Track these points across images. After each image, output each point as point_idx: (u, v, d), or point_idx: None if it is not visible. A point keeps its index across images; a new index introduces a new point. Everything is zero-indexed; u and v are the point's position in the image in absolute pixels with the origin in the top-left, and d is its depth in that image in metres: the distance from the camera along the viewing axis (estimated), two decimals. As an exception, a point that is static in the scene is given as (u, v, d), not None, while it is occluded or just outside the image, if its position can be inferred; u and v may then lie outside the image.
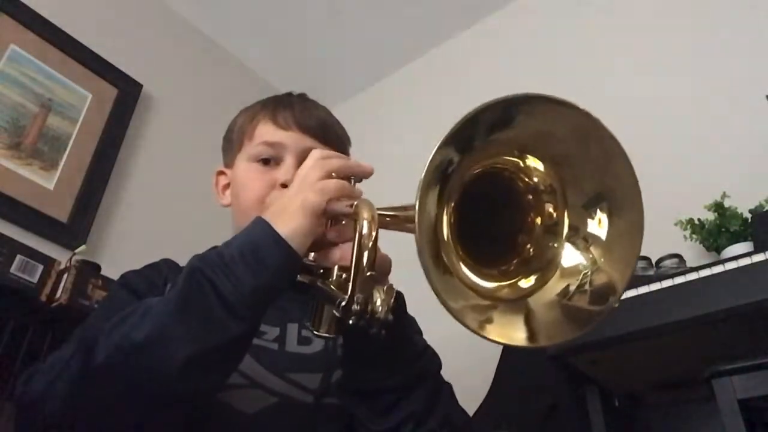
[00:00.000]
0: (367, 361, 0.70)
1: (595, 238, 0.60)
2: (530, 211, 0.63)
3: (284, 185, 0.84)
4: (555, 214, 0.62)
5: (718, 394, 1.02)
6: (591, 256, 0.60)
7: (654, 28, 2.05)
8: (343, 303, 0.56)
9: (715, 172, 1.65)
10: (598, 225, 0.60)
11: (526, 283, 0.61)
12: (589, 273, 0.59)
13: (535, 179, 0.62)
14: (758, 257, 1.13)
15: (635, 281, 1.25)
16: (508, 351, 1.63)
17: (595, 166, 0.59)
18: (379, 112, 2.80)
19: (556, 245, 0.62)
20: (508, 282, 0.61)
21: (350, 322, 0.56)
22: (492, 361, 1.64)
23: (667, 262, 1.40)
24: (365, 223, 0.58)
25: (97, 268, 1.69)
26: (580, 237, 0.61)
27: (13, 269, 1.49)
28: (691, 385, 1.37)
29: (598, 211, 0.60)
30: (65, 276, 1.56)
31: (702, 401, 1.31)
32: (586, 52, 2.10)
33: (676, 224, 1.52)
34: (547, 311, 0.59)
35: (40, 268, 1.53)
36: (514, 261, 0.63)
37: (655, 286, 1.22)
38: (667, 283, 1.21)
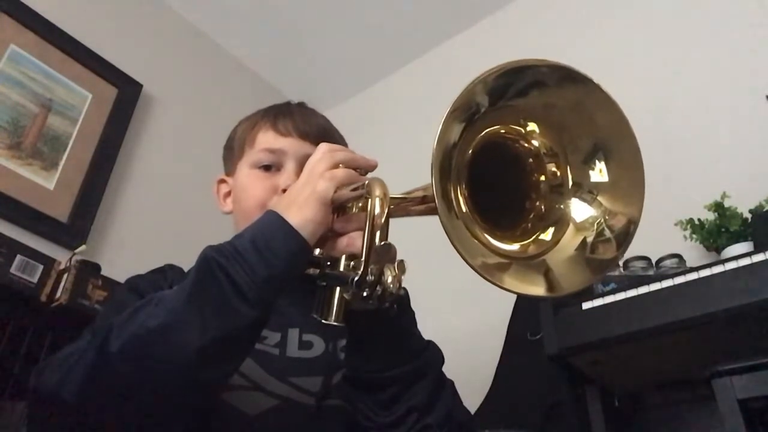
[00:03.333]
0: (371, 351, 0.71)
1: (600, 186, 0.62)
2: (534, 172, 0.65)
3: (285, 191, 0.85)
4: (558, 173, 0.64)
5: (718, 394, 1.03)
6: (601, 205, 0.62)
7: (653, 30, 2.05)
8: (357, 278, 0.57)
9: (715, 172, 1.65)
10: (600, 174, 0.62)
11: (546, 236, 0.64)
12: (603, 221, 0.61)
13: (536, 144, 0.65)
14: (758, 257, 1.14)
15: (635, 281, 1.26)
16: (509, 351, 1.63)
17: (588, 124, 0.62)
18: (378, 113, 2.80)
19: (563, 204, 0.64)
20: (530, 239, 0.63)
21: (364, 294, 0.57)
22: (492, 360, 1.64)
23: (667, 262, 1.40)
24: (377, 200, 0.60)
25: (97, 268, 1.69)
26: (586, 191, 0.63)
27: (13, 269, 1.49)
28: (691, 385, 1.37)
29: (596, 162, 0.62)
30: (65, 276, 1.56)
31: (702, 401, 1.31)
32: (585, 54, 2.10)
33: (676, 224, 1.52)
34: (567, 265, 0.61)
35: (40, 268, 1.53)
36: (531, 217, 0.65)
37: (655, 286, 1.22)
38: (667, 283, 1.21)
